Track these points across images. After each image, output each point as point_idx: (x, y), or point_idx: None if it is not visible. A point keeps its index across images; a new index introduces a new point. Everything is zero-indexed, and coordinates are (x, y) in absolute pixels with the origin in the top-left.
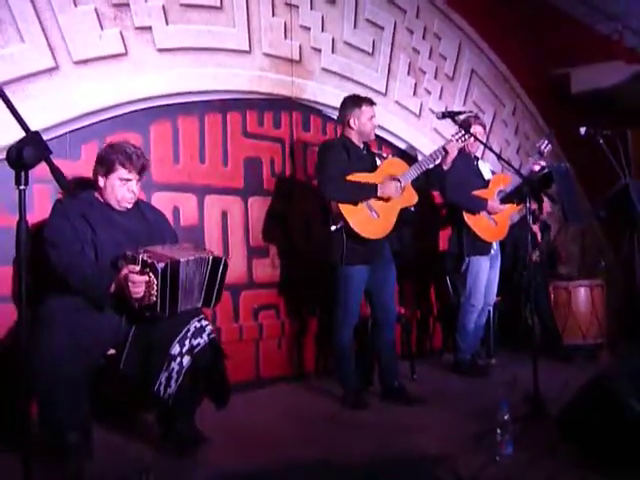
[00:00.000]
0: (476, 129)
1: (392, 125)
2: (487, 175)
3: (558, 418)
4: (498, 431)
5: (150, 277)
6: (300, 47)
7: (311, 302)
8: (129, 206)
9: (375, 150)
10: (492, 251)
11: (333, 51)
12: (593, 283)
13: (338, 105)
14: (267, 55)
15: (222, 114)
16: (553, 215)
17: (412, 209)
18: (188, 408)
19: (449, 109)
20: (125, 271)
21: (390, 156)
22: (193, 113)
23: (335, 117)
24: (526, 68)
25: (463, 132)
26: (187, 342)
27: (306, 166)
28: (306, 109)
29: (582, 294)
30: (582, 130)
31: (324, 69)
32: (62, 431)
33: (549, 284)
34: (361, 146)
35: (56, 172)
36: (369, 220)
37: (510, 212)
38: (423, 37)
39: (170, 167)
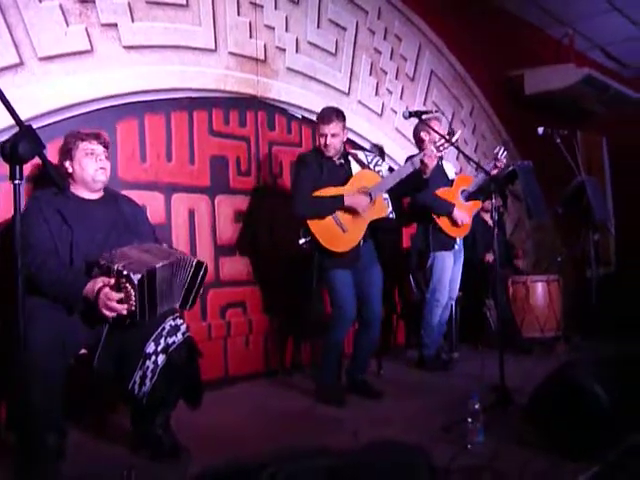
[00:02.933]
0: (432, 123)
1: (355, 125)
2: (451, 174)
3: (526, 407)
4: (469, 420)
5: (127, 288)
6: (265, 46)
7: (277, 299)
8: (105, 179)
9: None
10: (456, 246)
11: (297, 51)
12: (550, 278)
13: (302, 104)
14: (232, 54)
15: (188, 112)
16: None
17: (391, 215)
18: (163, 408)
19: (410, 109)
20: (99, 284)
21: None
22: (159, 111)
23: (299, 116)
24: (483, 69)
25: (442, 142)
26: (162, 340)
27: (271, 165)
28: (271, 108)
29: (539, 289)
30: (540, 130)
31: (289, 68)
32: (39, 432)
33: (507, 279)
34: (335, 157)
35: (50, 168)
36: (336, 234)
37: (473, 209)
38: (384, 38)
39: (137, 165)
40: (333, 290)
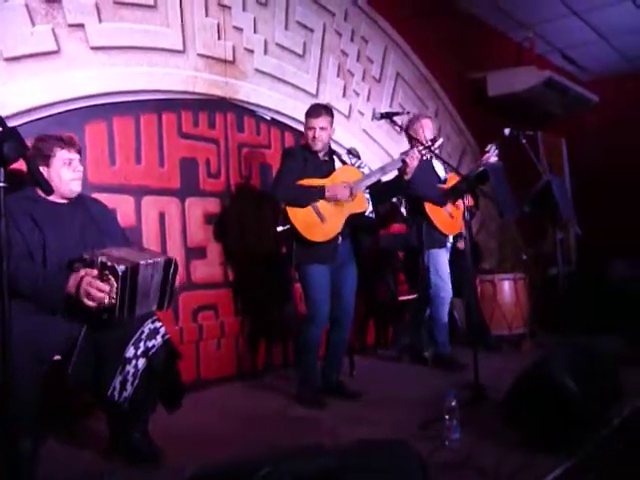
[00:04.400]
0: (424, 122)
1: None
2: (441, 173)
3: (501, 403)
4: (446, 417)
5: (110, 280)
6: (233, 48)
7: (249, 301)
8: (79, 188)
9: (345, 154)
10: (448, 244)
11: (266, 52)
12: (516, 276)
13: (271, 105)
14: (201, 55)
15: (157, 114)
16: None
17: (371, 215)
18: (143, 413)
19: (379, 110)
20: (82, 273)
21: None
22: (128, 113)
23: (268, 118)
24: (447, 72)
25: (427, 144)
26: (142, 344)
27: (241, 166)
28: (240, 110)
29: (506, 287)
30: (506, 131)
31: (257, 70)
32: (15, 437)
33: (475, 278)
34: (321, 153)
35: (35, 170)
36: (315, 223)
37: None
38: (351, 40)
39: (106, 168)
40: (309, 287)
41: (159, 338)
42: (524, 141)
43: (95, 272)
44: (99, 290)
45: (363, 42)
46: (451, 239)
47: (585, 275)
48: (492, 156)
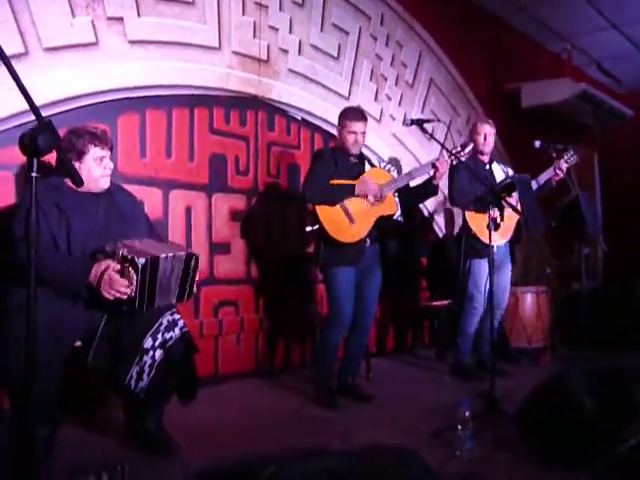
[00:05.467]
0: (485, 129)
1: None
2: (500, 177)
3: (516, 416)
4: (459, 427)
5: (130, 272)
6: (268, 47)
7: (270, 299)
8: (107, 185)
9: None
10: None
11: (300, 53)
12: (539, 289)
13: (302, 106)
14: (236, 53)
15: (190, 109)
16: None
17: (400, 219)
18: (158, 403)
19: (411, 116)
20: (103, 267)
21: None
22: (161, 107)
23: (299, 118)
24: (481, 81)
25: (459, 149)
26: (160, 336)
27: (269, 165)
28: (271, 109)
29: (528, 300)
30: (537, 143)
31: (290, 70)
32: (34, 425)
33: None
34: (352, 156)
35: (69, 165)
36: (343, 224)
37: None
38: (386, 44)
39: (136, 160)
40: (334, 289)
41: (177, 330)
42: (554, 155)
43: (116, 265)
44: (120, 285)
45: (398, 47)
46: (498, 250)
47: (611, 291)
48: (569, 161)
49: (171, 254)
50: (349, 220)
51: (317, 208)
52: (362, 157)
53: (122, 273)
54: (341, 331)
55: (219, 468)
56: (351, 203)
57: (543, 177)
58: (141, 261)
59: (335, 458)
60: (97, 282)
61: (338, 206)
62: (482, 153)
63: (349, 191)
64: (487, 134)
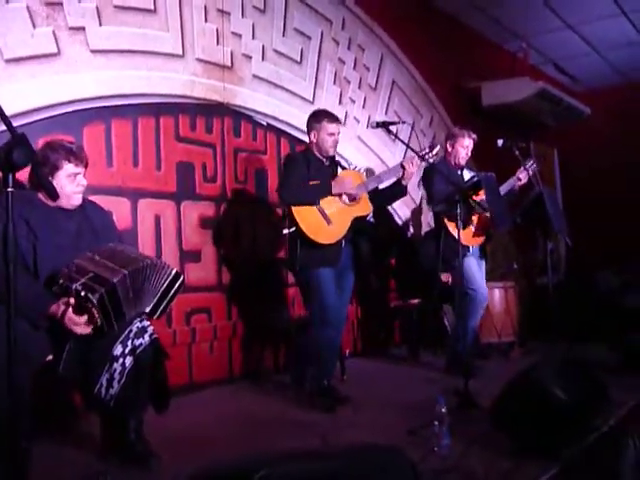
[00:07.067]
0: (469, 143)
1: None
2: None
3: (490, 410)
4: (435, 423)
5: (89, 307)
6: (232, 53)
7: (242, 305)
8: (79, 201)
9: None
10: (469, 254)
11: (263, 58)
12: (507, 284)
13: (268, 111)
14: (200, 60)
15: (155, 118)
16: None
17: (371, 219)
18: (134, 412)
19: (376, 119)
20: (62, 309)
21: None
22: (126, 116)
23: (264, 123)
24: (442, 81)
25: (427, 150)
26: (129, 342)
27: (237, 171)
28: (237, 115)
29: (497, 295)
30: (499, 142)
31: (255, 76)
32: (12, 439)
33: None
34: (324, 159)
35: (43, 179)
36: (320, 225)
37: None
38: (348, 48)
39: (103, 170)
40: (317, 290)
41: (147, 337)
42: (517, 152)
43: (73, 301)
44: (82, 323)
45: (360, 50)
46: (471, 250)
47: (573, 285)
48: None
49: (130, 269)
50: (326, 221)
51: (293, 210)
52: (333, 159)
53: (80, 307)
54: (337, 328)
55: (210, 471)
56: (327, 204)
57: (505, 188)
58: (95, 297)
59: (325, 459)
60: (60, 320)
61: (314, 207)
62: (458, 163)
63: (326, 190)
64: (469, 147)
